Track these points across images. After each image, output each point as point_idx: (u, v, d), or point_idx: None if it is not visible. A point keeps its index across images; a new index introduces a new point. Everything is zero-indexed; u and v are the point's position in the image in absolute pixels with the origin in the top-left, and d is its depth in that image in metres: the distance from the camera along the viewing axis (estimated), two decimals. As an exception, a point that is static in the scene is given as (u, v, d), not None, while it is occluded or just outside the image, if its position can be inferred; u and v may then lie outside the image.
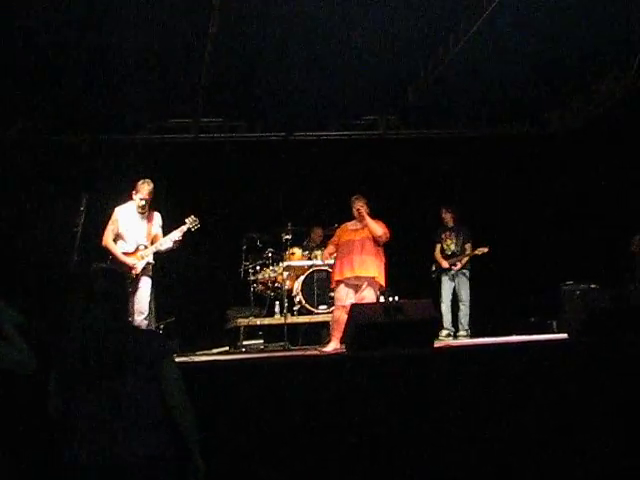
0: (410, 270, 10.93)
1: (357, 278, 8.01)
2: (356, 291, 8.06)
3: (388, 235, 8.23)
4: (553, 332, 9.34)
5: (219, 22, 8.26)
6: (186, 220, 8.15)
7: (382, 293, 8.63)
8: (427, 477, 5.24)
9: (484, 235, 10.09)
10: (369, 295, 8.04)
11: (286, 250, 10.34)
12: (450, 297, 10.49)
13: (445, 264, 10.56)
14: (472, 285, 10.38)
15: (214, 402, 4.93)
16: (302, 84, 10.24)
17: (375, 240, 8.15)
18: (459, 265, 10.46)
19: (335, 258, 8.39)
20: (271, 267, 10.59)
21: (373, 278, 8.03)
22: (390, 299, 10.01)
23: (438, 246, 10.76)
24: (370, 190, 11.48)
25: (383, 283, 8.19)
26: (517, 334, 9.12)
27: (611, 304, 6.35)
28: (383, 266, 8.22)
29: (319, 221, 11.00)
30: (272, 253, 10.63)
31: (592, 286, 9.62)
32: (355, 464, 5.15)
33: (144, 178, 8.02)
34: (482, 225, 9.81)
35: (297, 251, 10.58)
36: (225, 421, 5.01)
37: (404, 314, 6.14)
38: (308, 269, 10.36)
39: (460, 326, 10.32)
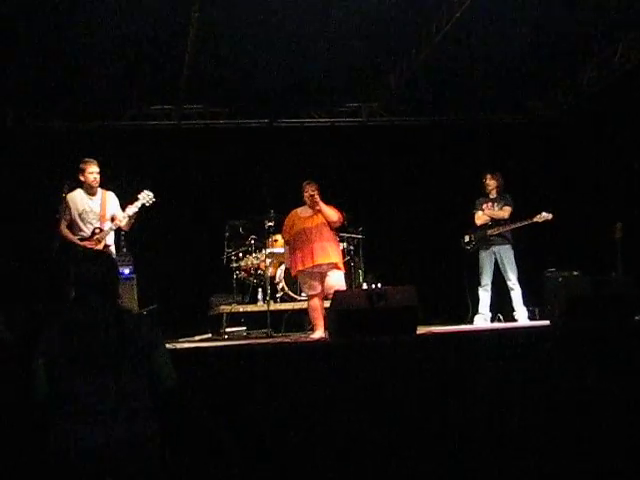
0: (385, 256, 11.01)
1: (318, 266, 7.90)
2: (321, 278, 7.96)
3: (342, 220, 8.21)
4: (535, 319, 9.38)
5: (201, 8, 8.23)
6: (139, 196, 7.88)
7: None
8: (410, 463, 5.25)
9: (467, 224, 10.05)
10: (338, 278, 7.94)
11: (269, 237, 10.29)
12: (491, 275, 9.38)
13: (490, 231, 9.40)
14: (456, 273, 10.07)
15: (197, 389, 4.92)
16: (285, 71, 10.22)
17: (329, 225, 8.10)
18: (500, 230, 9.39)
19: (291, 247, 8.22)
20: (254, 254, 10.57)
21: (335, 264, 7.97)
22: (373, 286, 10.02)
23: (479, 213, 9.60)
24: (352, 177, 11.59)
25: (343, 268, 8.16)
26: (499, 321, 9.15)
27: (593, 291, 6.37)
28: (340, 251, 8.29)
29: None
30: (255, 240, 10.61)
31: (574, 273, 9.65)
32: (339, 450, 5.15)
33: (89, 158, 7.90)
34: (464, 213, 9.79)
35: (280, 238, 10.55)
36: (208, 408, 4.99)
37: (386, 301, 6.13)
38: (290, 256, 10.34)
39: (518, 307, 9.18)
